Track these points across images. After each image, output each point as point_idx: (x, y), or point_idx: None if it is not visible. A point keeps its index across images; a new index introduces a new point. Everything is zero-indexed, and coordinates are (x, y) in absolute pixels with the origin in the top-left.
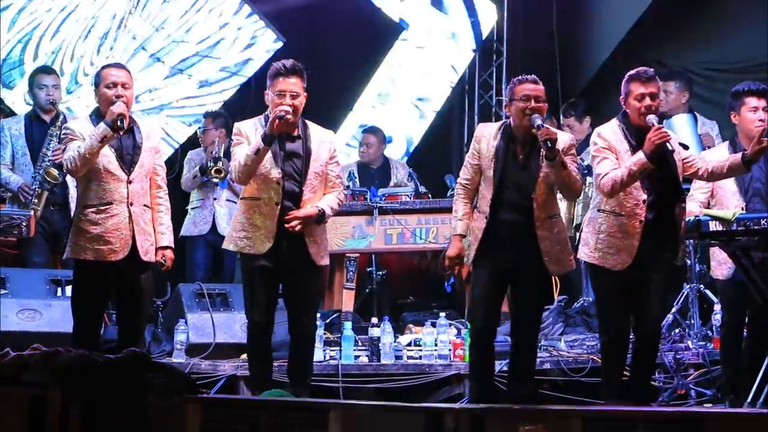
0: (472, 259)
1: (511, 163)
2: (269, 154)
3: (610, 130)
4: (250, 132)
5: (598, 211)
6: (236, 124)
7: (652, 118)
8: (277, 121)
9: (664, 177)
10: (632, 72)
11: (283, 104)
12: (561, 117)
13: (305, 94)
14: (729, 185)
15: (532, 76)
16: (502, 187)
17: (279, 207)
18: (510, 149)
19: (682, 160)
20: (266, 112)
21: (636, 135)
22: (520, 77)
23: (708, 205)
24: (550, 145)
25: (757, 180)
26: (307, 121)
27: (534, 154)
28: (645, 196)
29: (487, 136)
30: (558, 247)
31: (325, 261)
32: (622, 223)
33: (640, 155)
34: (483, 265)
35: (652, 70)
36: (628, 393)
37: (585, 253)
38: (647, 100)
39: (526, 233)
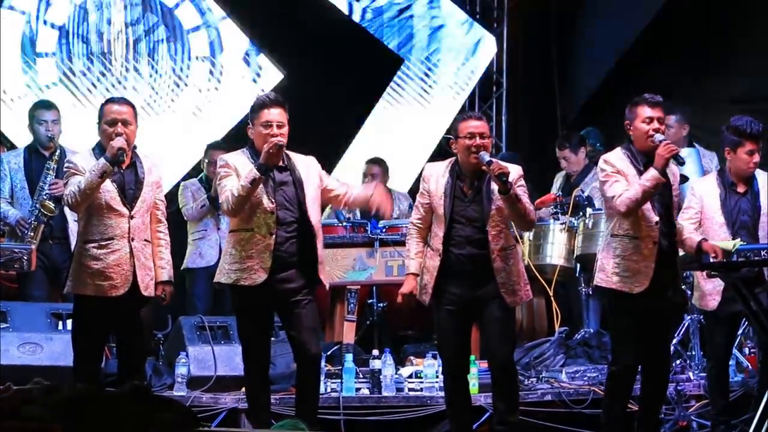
0: (430, 298)
1: (461, 199)
2: (261, 187)
3: (617, 156)
4: (237, 163)
5: (612, 236)
6: (221, 156)
7: (658, 137)
8: (273, 150)
9: (665, 201)
10: (639, 96)
11: (272, 134)
12: (557, 149)
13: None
14: (716, 217)
15: (477, 112)
16: (452, 223)
17: (273, 237)
18: (458, 185)
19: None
20: (249, 145)
21: (643, 160)
22: (463, 114)
23: None
24: (504, 179)
25: (744, 213)
26: (287, 152)
27: (483, 188)
28: (657, 218)
29: (435, 174)
30: (514, 278)
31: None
32: (637, 245)
33: (652, 171)
34: (443, 306)
35: (659, 96)
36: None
37: (601, 279)
38: (655, 123)
39: (481, 266)
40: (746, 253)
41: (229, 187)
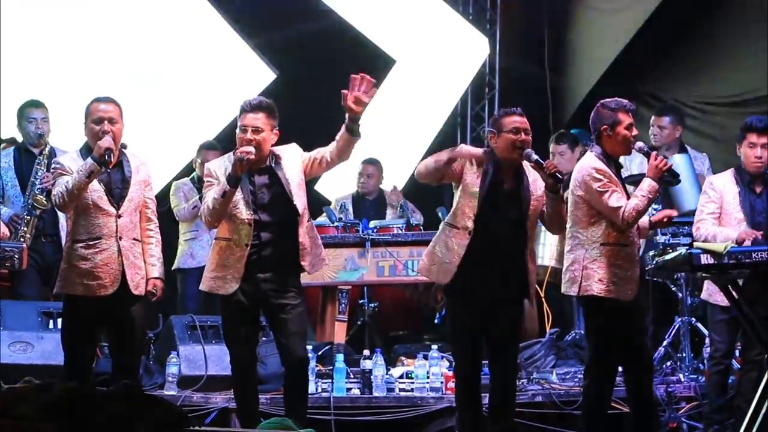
0: (449, 281)
1: (501, 195)
2: (239, 196)
3: (602, 164)
4: (219, 172)
5: (602, 245)
6: (206, 165)
7: (643, 146)
8: (239, 163)
9: None
10: (616, 102)
11: (245, 139)
12: (552, 144)
13: (276, 131)
14: (735, 213)
15: (518, 108)
16: (487, 218)
17: (248, 248)
18: (498, 178)
19: None
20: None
21: (614, 164)
22: (505, 110)
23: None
24: (558, 177)
25: (759, 213)
26: (275, 151)
27: (521, 187)
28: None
29: (474, 153)
30: (534, 278)
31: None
32: (627, 253)
33: (650, 183)
34: (463, 299)
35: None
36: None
37: (601, 289)
38: (634, 130)
39: (512, 266)
40: (737, 255)
41: (207, 199)
